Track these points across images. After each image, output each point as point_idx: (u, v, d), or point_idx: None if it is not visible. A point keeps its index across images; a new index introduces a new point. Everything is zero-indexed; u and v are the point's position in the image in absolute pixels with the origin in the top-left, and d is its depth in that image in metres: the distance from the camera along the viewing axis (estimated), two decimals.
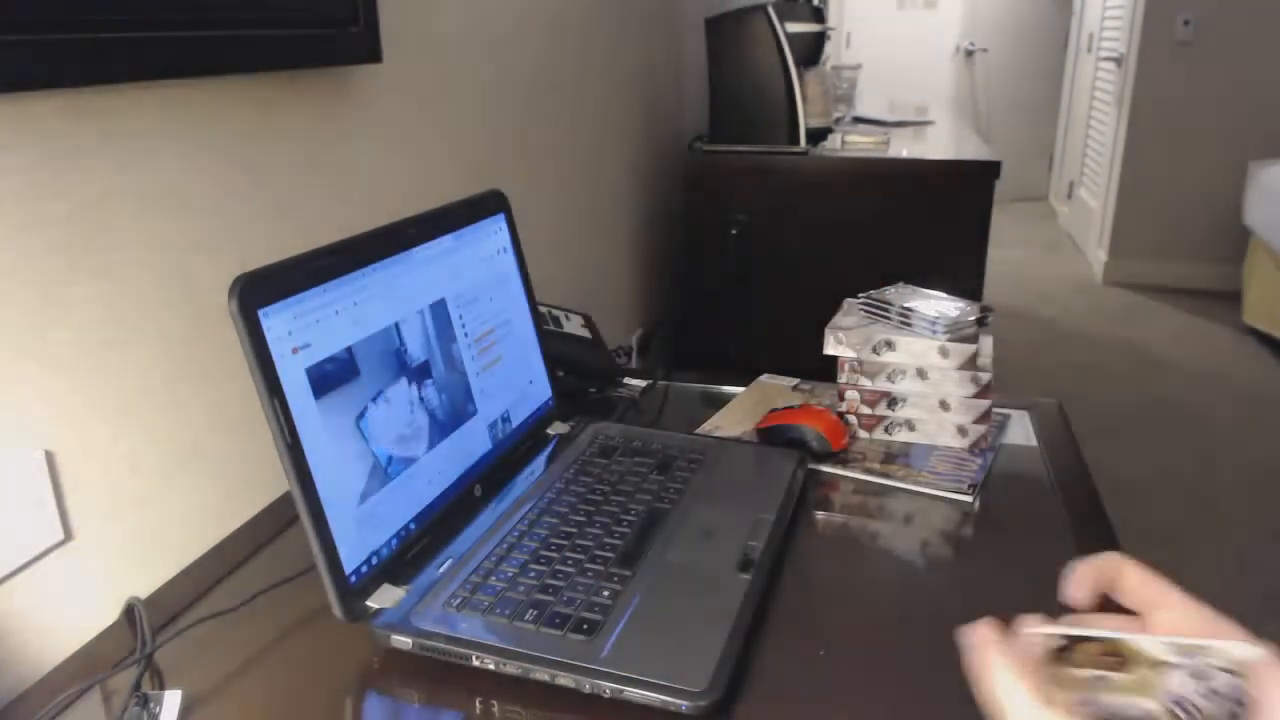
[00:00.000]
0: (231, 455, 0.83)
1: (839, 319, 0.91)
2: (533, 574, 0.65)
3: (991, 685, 0.35)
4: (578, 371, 1.01)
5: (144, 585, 0.72)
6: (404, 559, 0.65)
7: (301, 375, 0.58)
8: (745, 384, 1.04)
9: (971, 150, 2.29)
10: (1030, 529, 0.76)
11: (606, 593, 0.62)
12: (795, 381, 1.04)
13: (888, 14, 5.81)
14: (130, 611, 0.66)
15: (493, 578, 0.64)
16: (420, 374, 0.69)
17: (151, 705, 0.56)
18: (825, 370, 0.94)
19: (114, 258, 0.70)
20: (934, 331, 0.85)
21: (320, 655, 0.62)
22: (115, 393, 0.71)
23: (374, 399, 0.64)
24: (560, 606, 0.61)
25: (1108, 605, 0.41)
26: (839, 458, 0.86)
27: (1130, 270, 4.31)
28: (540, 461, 0.82)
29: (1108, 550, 0.72)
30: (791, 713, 0.56)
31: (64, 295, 0.66)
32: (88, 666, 0.62)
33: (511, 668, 0.57)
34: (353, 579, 0.60)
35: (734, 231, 2.14)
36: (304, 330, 0.58)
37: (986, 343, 0.85)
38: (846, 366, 0.89)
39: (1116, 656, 0.34)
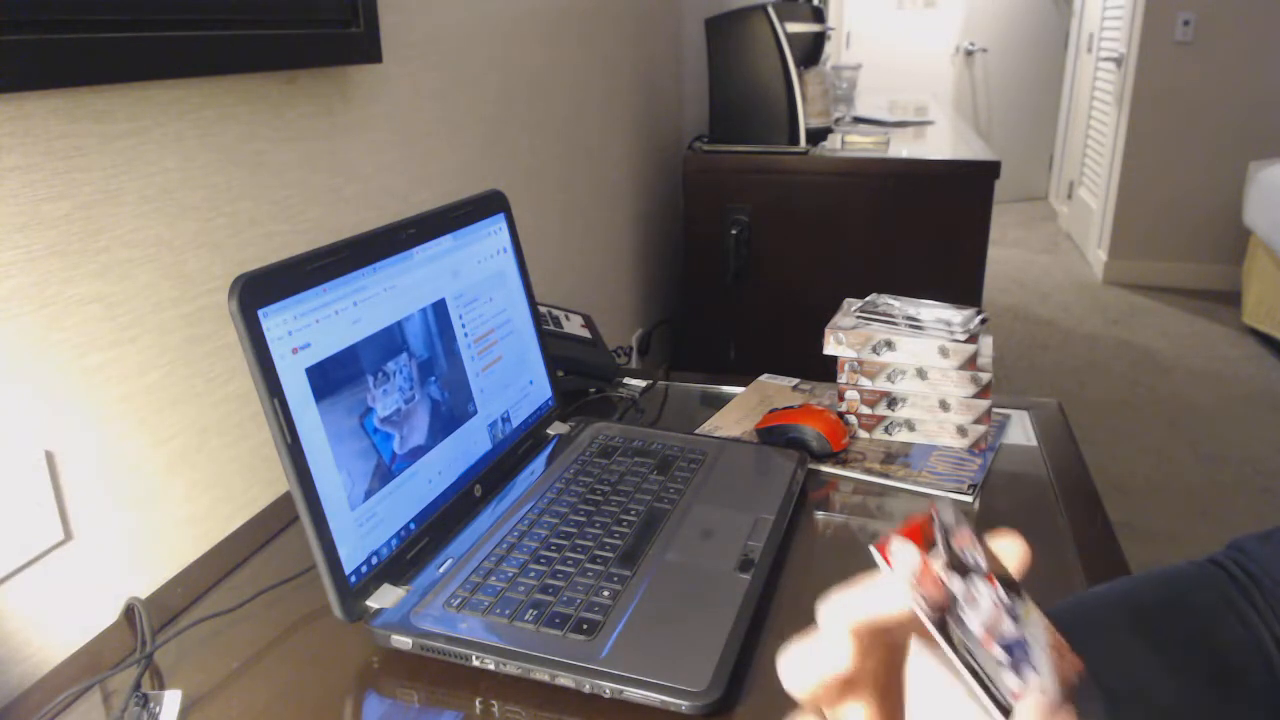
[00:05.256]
0: (232, 455, 0.83)
1: (839, 319, 0.91)
2: (533, 574, 0.65)
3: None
4: (578, 371, 1.01)
5: (144, 585, 0.72)
6: (404, 559, 0.65)
7: (301, 375, 0.58)
8: (745, 384, 1.04)
9: (971, 150, 2.28)
10: (1030, 529, 0.75)
11: (606, 593, 0.62)
12: (795, 381, 1.04)
13: (888, 14, 5.81)
14: (130, 611, 0.66)
15: (493, 578, 0.64)
16: (420, 374, 0.69)
17: (151, 705, 0.56)
18: (825, 370, 0.94)
19: (113, 258, 0.70)
20: (948, 328, 0.85)
21: (320, 655, 0.62)
22: (115, 393, 0.71)
23: (374, 399, 0.64)
24: (560, 606, 0.61)
25: None
26: (839, 458, 0.86)
27: (1130, 270, 4.32)
28: (540, 461, 0.82)
29: (1105, 550, 0.72)
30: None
31: (64, 295, 0.66)
32: (88, 666, 0.62)
33: (511, 668, 0.57)
34: (353, 579, 0.60)
35: (734, 231, 2.14)
36: (304, 330, 0.58)
37: (986, 343, 0.85)
38: (846, 366, 0.89)
39: None
